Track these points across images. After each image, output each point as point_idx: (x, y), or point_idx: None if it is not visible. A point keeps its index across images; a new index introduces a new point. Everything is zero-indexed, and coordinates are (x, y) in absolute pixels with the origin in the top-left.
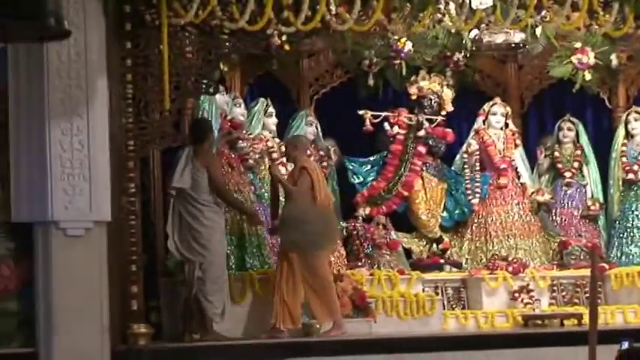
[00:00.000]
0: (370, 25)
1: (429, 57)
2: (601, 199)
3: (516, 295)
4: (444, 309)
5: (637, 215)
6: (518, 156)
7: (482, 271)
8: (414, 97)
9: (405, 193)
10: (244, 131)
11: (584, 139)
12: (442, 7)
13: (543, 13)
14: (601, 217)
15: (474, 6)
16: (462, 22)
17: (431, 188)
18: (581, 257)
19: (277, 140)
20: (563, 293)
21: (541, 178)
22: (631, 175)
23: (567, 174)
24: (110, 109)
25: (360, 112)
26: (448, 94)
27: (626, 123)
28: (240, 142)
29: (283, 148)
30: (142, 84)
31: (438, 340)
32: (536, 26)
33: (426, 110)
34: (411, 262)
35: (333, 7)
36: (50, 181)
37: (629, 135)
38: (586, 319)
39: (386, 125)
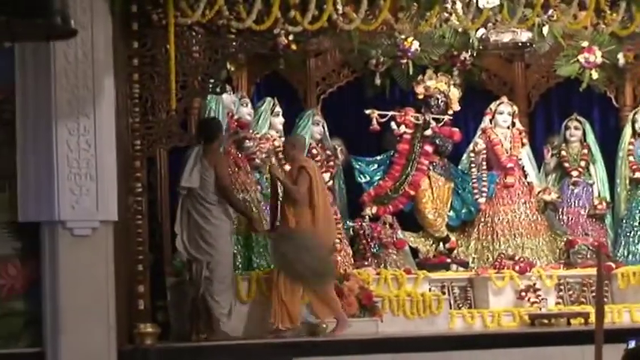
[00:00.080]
0: (377, 24)
1: (435, 56)
2: (608, 198)
3: (523, 294)
4: (451, 308)
5: None
6: (525, 155)
7: (489, 271)
8: (420, 97)
9: (412, 193)
10: (251, 131)
11: (591, 138)
12: (449, 6)
13: (550, 12)
14: (608, 216)
15: (480, 5)
16: (468, 21)
17: (438, 187)
18: (588, 256)
19: (284, 140)
20: (570, 292)
21: (548, 177)
22: (638, 174)
23: (574, 173)
24: (117, 108)
25: (367, 112)
26: (455, 94)
27: (633, 122)
28: (247, 141)
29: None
30: (149, 83)
31: (444, 339)
32: (543, 25)
33: (432, 109)
34: (417, 262)
35: (340, 7)
36: (57, 180)
37: (635, 134)
38: (593, 318)
39: (393, 124)
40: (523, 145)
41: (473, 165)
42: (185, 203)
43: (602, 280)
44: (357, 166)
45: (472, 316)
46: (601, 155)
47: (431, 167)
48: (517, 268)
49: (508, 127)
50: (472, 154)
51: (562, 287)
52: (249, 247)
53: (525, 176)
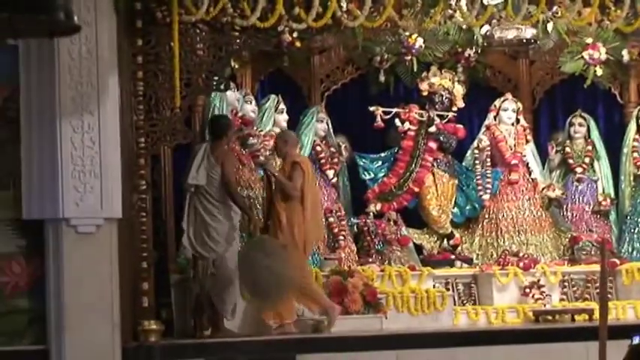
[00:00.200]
0: (381, 21)
1: (440, 53)
2: (612, 195)
3: (527, 290)
4: (455, 305)
5: None
6: (529, 152)
7: (493, 267)
8: (425, 94)
9: (416, 189)
10: (255, 128)
11: (596, 135)
12: (453, 3)
13: (555, 8)
14: (612, 213)
15: (485, 2)
16: (473, 18)
17: (442, 184)
18: (592, 252)
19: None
20: (574, 289)
21: (552, 173)
22: None
23: (578, 169)
24: (121, 106)
25: (371, 109)
26: (459, 90)
27: (638, 118)
28: (251, 138)
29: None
30: (153, 81)
31: (448, 335)
32: (548, 22)
33: (437, 106)
34: (421, 258)
35: (344, 4)
36: (61, 178)
37: None
38: (597, 315)
39: (397, 121)
40: (527, 141)
41: (477, 162)
42: (192, 200)
43: (606, 276)
44: (362, 163)
45: (476, 313)
46: (605, 152)
47: (435, 164)
48: (521, 264)
49: (512, 124)
50: (476, 151)
51: (566, 284)
52: None
53: (530, 173)
